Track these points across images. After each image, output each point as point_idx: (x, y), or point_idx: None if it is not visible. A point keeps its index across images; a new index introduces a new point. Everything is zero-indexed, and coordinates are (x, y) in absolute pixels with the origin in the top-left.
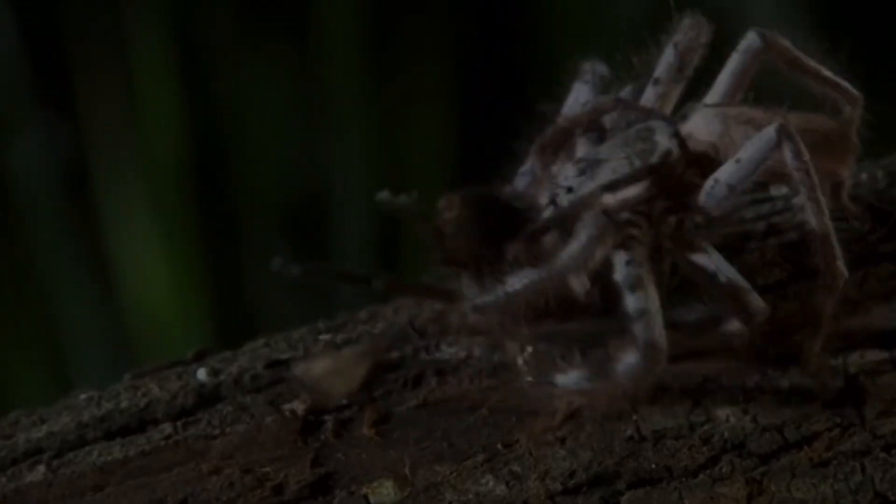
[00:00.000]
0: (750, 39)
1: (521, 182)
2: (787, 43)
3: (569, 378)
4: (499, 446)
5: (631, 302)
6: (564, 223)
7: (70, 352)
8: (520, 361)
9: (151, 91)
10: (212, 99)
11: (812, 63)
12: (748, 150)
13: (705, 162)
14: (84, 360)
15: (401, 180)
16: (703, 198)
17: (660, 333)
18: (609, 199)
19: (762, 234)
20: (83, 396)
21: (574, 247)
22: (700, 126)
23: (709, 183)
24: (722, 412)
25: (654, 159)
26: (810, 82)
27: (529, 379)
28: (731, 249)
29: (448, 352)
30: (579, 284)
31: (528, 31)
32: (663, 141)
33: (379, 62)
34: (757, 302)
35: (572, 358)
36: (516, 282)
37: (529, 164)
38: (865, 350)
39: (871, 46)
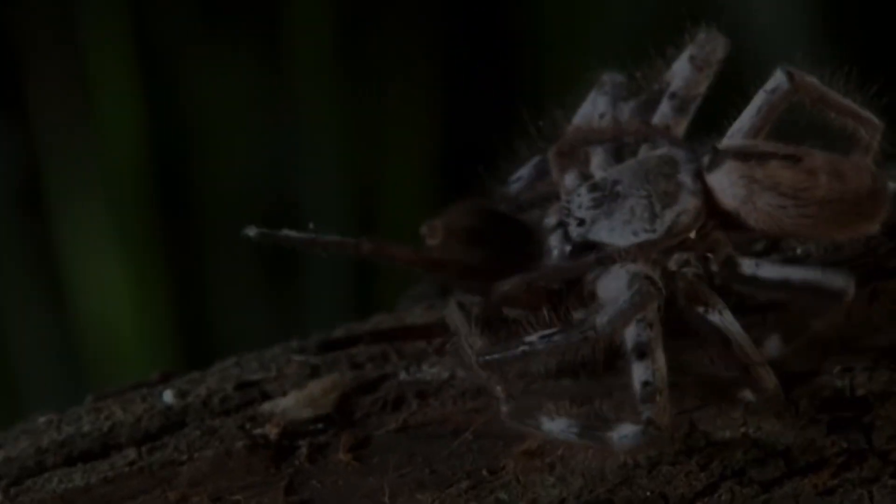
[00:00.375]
0: (778, 80)
1: (515, 187)
2: (814, 80)
3: (556, 425)
4: (484, 472)
5: (637, 371)
6: (574, 255)
7: (21, 374)
8: (500, 393)
9: (110, 94)
10: (175, 101)
11: (837, 98)
12: (808, 275)
13: (728, 219)
14: (36, 383)
15: (379, 187)
16: (740, 269)
17: (664, 411)
18: (624, 242)
19: (763, 251)
20: (42, 420)
21: (612, 313)
22: (724, 185)
23: (748, 267)
24: (721, 436)
25: (676, 220)
26: (833, 114)
27: (509, 414)
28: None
29: (430, 372)
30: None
31: (512, 28)
32: (686, 182)
33: (356, 60)
34: (768, 378)
35: (562, 403)
36: (538, 342)
37: (528, 169)
38: (874, 371)
39: (876, 43)
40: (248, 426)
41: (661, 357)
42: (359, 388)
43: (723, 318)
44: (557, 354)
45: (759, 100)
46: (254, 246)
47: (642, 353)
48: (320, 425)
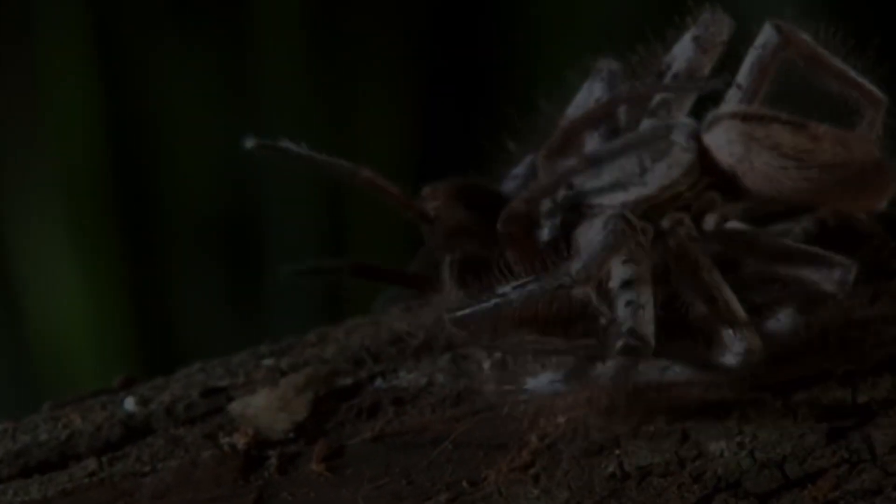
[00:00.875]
0: (767, 34)
1: (510, 185)
2: (806, 37)
3: (540, 381)
4: (464, 484)
5: (621, 296)
6: (564, 222)
7: None
8: (485, 366)
9: (64, 88)
10: (134, 96)
11: (833, 61)
12: (810, 249)
13: (724, 179)
14: None
15: (349, 193)
16: (736, 233)
17: (647, 325)
18: (612, 200)
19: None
20: None
21: (585, 257)
22: (721, 143)
23: (747, 232)
24: (715, 446)
25: (667, 172)
26: (831, 81)
27: (494, 387)
28: (724, 263)
29: (407, 378)
30: (582, 294)
31: (492, 20)
32: (679, 140)
33: (326, 52)
34: (753, 338)
35: (545, 361)
36: (511, 292)
37: (523, 167)
38: (877, 376)
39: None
40: (214, 435)
41: (647, 288)
42: (332, 394)
43: (711, 277)
44: (532, 304)
45: (750, 58)
46: (216, 247)
47: (627, 283)
48: (291, 434)
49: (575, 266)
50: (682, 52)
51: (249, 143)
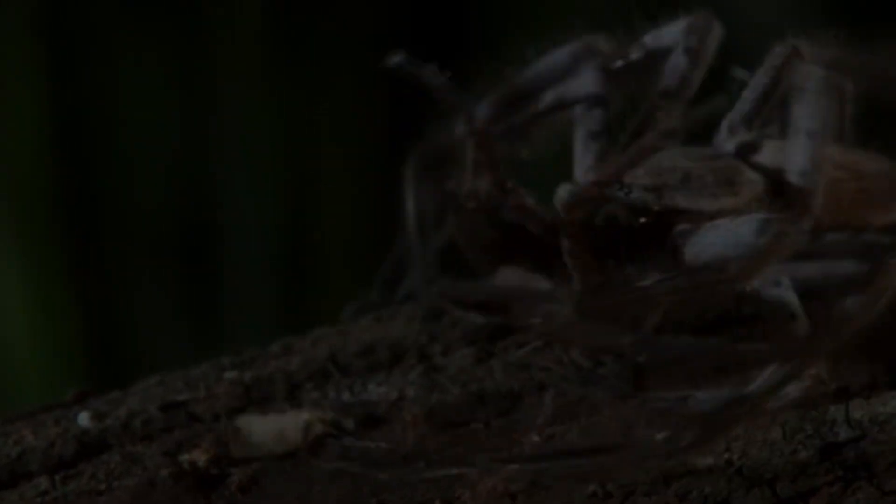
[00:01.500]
0: (779, 53)
1: None
2: (822, 51)
3: (705, 394)
4: None
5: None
6: (648, 227)
7: None
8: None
9: (10, 89)
10: (85, 98)
11: (854, 68)
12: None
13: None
14: None
15: (312, 195)
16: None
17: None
18: (710, 206)
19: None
20: None
21: (747, 257)
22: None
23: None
24: (702, 463)
25: (752, 184)
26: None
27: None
28: None
29: (376, 392)
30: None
31: (466, 18)
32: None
33: (287, 51)
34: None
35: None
36: (655, 285)
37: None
38: (872, 391)
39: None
40: (173, 452)
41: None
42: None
43: (781, 290)
44: (676, 299)
45: (759, 80)
46: (171, 259)
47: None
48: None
49: (735, 266)
50: (673, 64)
51: (395, 60)
